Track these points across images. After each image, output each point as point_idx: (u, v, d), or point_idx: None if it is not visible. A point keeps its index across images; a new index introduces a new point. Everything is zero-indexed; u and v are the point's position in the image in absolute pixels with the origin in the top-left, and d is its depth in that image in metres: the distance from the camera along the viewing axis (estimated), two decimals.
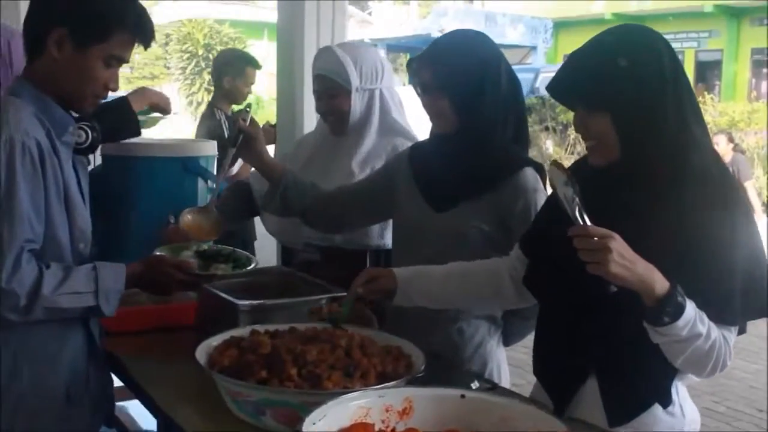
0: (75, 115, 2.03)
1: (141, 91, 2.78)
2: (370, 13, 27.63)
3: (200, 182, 2.93)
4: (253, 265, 2.11)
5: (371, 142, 2.55)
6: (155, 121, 2.84)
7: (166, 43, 26.64)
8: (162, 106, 2.77)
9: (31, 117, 1.85)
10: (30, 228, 1.78)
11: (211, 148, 3.01)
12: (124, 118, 2.73)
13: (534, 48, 23.86)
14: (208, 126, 4.77)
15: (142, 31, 1.94)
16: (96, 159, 3.10)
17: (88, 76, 1.89)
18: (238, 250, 2.26)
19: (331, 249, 2.55)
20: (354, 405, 1.40)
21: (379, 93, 2.57)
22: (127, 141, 3.13)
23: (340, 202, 2.38)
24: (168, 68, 26.85)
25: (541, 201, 2.07)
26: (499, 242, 2.09)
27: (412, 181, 2.23)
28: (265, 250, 3.56)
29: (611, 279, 1.52)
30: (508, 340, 2.29)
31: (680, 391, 1.72)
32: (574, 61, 1.70)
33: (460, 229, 2.11)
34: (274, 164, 2.40)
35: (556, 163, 1.62)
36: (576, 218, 1.55)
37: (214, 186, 3.01)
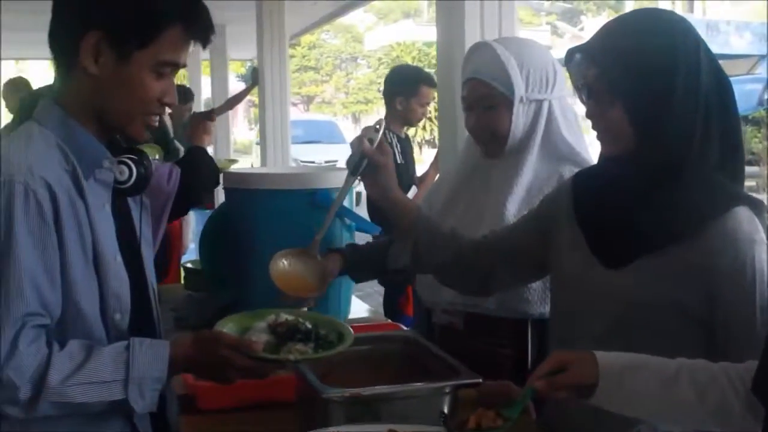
0: (133, 144, 1.61)
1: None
2: (582, 29, 26.53)
3: (337, 220, 2.47)
4: (346, 345, 1.54)
5: (531, 169, 1.94)
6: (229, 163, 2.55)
7: (378, 67, 27.00)
8: None
9: (49, 150, 1.44)
10: (35, 298, 1.35)
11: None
12: (199, 167, 2.39)
13: (763, 57, 21.82)
14: None
15: (197, 24, 1.49)
16: None
17: (135, 91, 1.46)
18: (329, 321, 1.66)
19: (478, 316, 1.95)
20: None
21: (548, 106, 1.95)
22: (247, 171, 2.78)
23: (483, 254, 1.77)
24: (380, 92, 27.19)
25: (761, 255, 1.40)
26: (700, 315, 1.43)
27: (575, 222, 1.61)
28: None
29: None
30: None
31: None
32: None
33: (639, 295, 1.47)
34: (404, 205, 1.79)
35: None
36: None
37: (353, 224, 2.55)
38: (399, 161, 4.16)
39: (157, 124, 1.55)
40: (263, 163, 7.18)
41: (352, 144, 1.76)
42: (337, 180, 2.43)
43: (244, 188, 2.39)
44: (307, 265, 1.79)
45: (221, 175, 2.67)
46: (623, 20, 1.53)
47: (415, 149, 19.83)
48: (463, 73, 2.01)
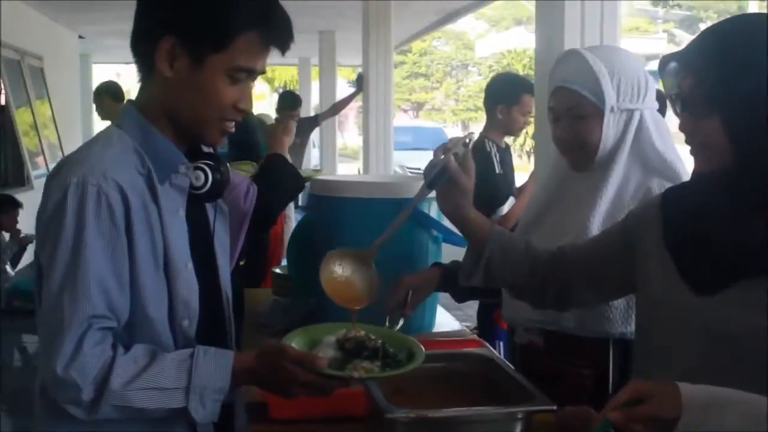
0: (207, 149, 1.59)
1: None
2: None
3: (423, 232, 2.39)
4: (414, 365, 1.45)
5: (617, 181, 1.83)
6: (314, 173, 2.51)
7: (488, 75, 26.80)
8: None
9: (125, 154, 1.43)
10: (102, 300, 1.35)
11: None
12: (282, 173, 2.39)
13: None
14: (479, 158, 4.25)
15: (274, 30, 1.45)
16: None
17: (209, 96, 1.44)
18: (402, 339, 1.58)
19: (558, 334, 1.86)
20: None
21: (639, 116, 1.84)
22: (332, 178, 2.74)
23: (560, 267, 1.68)
24: None
25: None
26: None
27: (662, 242, 1.50)
28: None
29: None
30: None
31: None
32: None
33: (732, 324, 1.34)
34: (476, 222, 1.69)
35: None
36: None
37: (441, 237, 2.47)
38: (498, 171, 4.06)
39: (233, 129, 1.53)
40: (365, 169, 7.20)
41: (435, 152, 1.66)
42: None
43: (329, 195, 2.36)
44: (361, 274, 1.68)
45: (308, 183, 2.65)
46: (723, 26, 1.40)
47: (523, 158, 19.50)
48: (551, 82, 1.92)
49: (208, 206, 1.64)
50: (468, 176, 1.64)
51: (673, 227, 1.49)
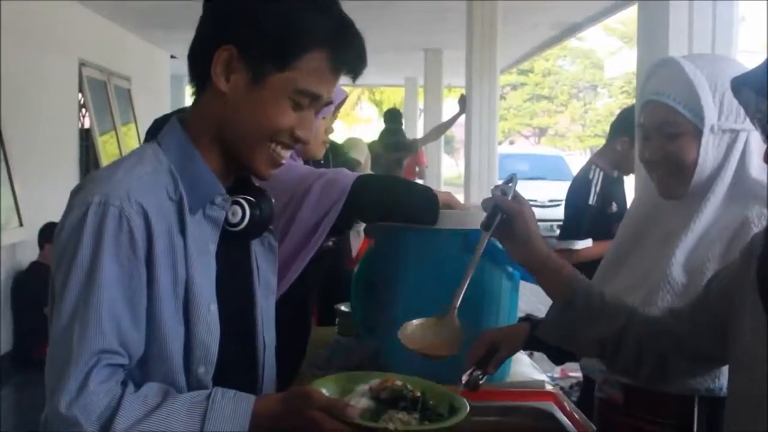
0: (258, 183, 1.57)
1: None
2: None
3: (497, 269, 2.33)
4: (456, 419, 1.39)
5: (711, 213, 1.74)
6: None
7: (619, 97, 26.34)
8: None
9: (155, 175, 1.42)
10: (114, 334, 1.33)
11: None
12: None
13: None
14: (578, 184, 4.16)
15: (345, 52, 1.43)
16: None
17: (264, 118, 1.42)
18: (443, 392, 1.52)
19: (639, 389, 1.77)
20: None
21: (745, 138, 1.74)
22: None
23: (660, 339, 1.58)
24: None
25: None
26: None
27: (757, 294, 1.39)
28: None
29: None
30: None
31: None
32: None
33: None
34: (551, 261, 1.66)
35: None
36: None
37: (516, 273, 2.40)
38: (590, 202, 3.96)
39: (284, 161, 1.49)
40: (466, 199, 7.15)
41: (483, 204, 1.70)
42: None
43: (391, 226, 2.33)
44: (442, 333, 1.69)
45: None
46: None
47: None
48: (642, 95, 1.84)
49: (255, 243, 1.62)
50: (520, 204, 1.66)
51: (763, 271, 1.39)
